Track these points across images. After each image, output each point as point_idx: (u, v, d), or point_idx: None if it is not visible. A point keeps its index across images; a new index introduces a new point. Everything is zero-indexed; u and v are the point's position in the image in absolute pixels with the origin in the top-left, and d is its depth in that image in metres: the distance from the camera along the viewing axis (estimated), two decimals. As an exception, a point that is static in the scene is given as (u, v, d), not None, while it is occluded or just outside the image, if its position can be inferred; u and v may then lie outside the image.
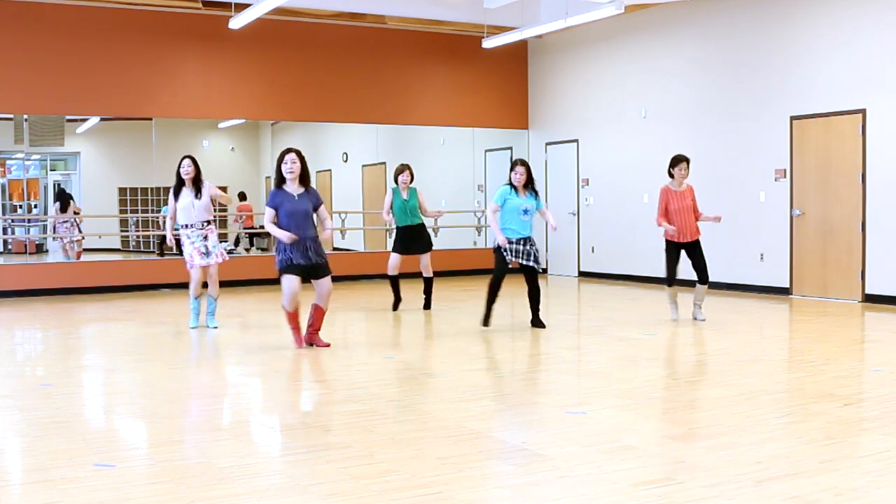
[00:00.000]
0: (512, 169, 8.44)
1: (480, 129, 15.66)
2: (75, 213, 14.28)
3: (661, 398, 5.58)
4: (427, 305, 10.02)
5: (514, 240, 8.31)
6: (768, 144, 11.55)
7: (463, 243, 15.46)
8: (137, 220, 15.22)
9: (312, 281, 7.33)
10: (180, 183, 8.52)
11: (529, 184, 8.41)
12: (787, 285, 11.35)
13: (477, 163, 16.16)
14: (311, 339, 7.50)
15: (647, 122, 13.41)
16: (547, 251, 15.61)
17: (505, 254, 8.31)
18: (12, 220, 15.40)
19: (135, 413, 5.49)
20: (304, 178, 7.15)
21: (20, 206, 15.32)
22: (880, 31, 10.21)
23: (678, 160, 8.99)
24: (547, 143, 15.41)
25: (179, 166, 8.53)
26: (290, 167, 7.06)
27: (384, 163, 15.87)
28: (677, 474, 3.90)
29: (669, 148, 12.91)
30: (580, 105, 14.67)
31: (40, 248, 15.14)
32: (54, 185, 15.54)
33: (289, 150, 7.14)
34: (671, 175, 9.00)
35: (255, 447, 4.61)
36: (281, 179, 7.15)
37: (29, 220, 15.12)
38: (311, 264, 7.17)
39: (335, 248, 16.02)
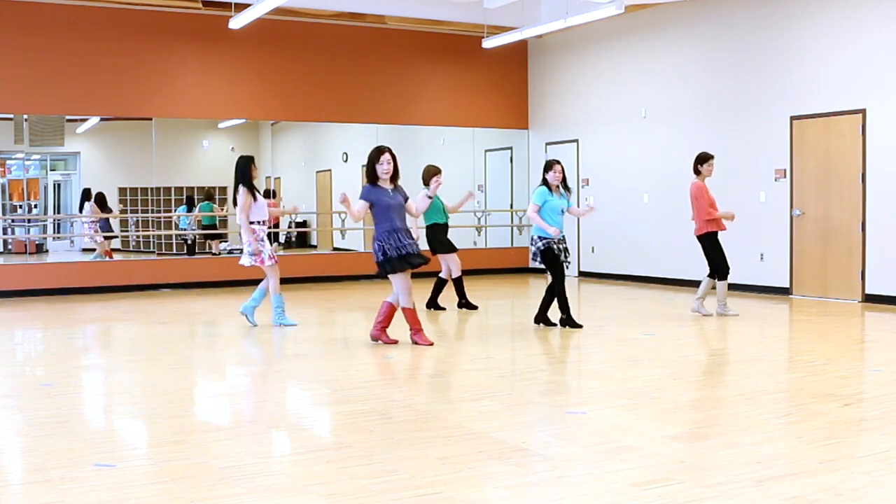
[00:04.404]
0: (550, 168, 8.54)
1: (480, 129, 15.66)
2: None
3: (661, 398, 5.58)
4: (466, 303, 10.28)
5: (557, 239, 8.43)
6: (768, 144, 11.55)
7: (463, 244, 15.42)
8: (137, 220, 15.21)
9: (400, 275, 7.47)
10: (251, 183, 8.62)
11: (564, 182, 8.60)
12: (787, 285, 11.35)
13: (477, 163, 16.15)
14: (417, 338, 7.59)
15: (647, 122, 13.41)
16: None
17: (556, 252, 8.38)
18: (12, 220, 15.40)
19: (135, 413, 5.49)
20: (395, 176, 7.46)
21: (20, 206, 15.32)
22: (880, 31, 10.21)
23: (708, 156, 9.25)
24: (547, 143, 15.41)
25: (251, 166, 8.57)
26: (386, 167, 7.37)
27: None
28: (677, 474, 3.90)
29: (669, 148, 12.95)
30: (580, 105, 14.67)
31: (40, 248, 15.13)
32: (85, 190, 15.44)
33: (383, 150, 7.42)
34: (698, 172, 9.23)
35: (255, 447, 4.61)
36: (374, 177, 7.37)
37: (29, 220, 15.11)
38: (416, 254, 7.43)
39: (335, 249, 16.05)
